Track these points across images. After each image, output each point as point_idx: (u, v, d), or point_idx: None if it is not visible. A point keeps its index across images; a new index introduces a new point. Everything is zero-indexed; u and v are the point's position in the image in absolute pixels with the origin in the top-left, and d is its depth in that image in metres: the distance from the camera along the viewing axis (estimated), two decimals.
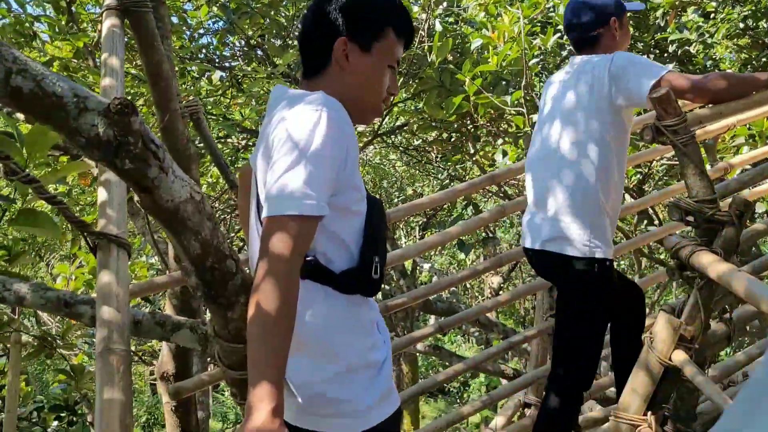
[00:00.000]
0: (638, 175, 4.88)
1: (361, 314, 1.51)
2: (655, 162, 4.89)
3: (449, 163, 5.84)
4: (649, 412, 2.13)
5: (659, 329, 2.14)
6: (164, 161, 1.28)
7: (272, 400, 1.19)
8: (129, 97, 4.13)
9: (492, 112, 5.19)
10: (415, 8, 5.40)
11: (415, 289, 3.17)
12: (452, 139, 5.45)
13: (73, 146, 1.22)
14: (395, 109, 5.87)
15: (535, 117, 4.66)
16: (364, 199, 1.49)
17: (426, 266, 8.99)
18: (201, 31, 5.98)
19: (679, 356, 2.09)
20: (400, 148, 8.51)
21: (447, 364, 6.71)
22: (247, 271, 1.66)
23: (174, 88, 2.41)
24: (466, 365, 3.22)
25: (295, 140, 1.31)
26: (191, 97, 3.84)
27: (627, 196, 5.45)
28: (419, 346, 6.12)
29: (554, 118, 2.49)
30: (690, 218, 2.20)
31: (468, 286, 14.86)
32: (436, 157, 6.40)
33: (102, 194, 1.71)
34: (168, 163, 1.29)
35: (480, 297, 15.15)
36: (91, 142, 1.16)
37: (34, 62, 1.10)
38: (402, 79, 5.80)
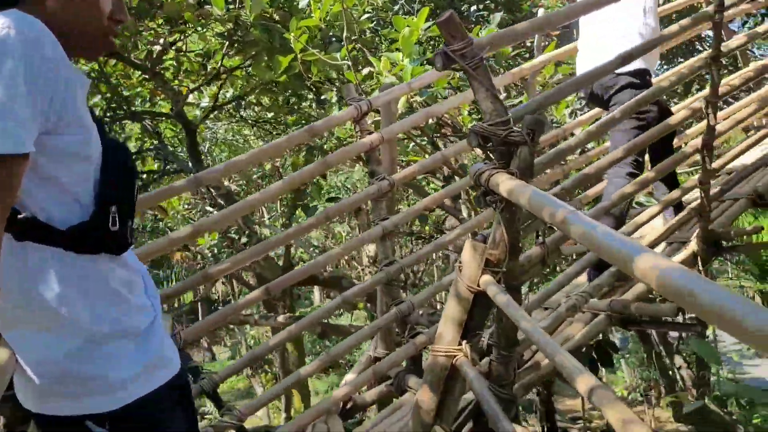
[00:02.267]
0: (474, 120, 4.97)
1: (108, 276, 1.32)
2: None
3: (291, 128, 5.67)
4: (464, 341, 2.11)
5: (466, 255, 2.12)
6: None
7: None
8: None
9: (329, 71, 5.06)
10: None
11: (294, 270, 2.99)
12: (290, 102, 5.26)
13: None
14: (223, 76, 5.59)
15: (365, 71, 4.60)
16: (95, 140, 1.30)
17: (313, 242, 8.82)
18: None
19: (487, 279, 2.08)
20: (250, 122, 8.23)
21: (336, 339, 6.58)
22: None
23: None
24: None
25: None
26: None
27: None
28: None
29: None
30: (488, 143, 2.18)
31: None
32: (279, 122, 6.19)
33: None
34: None
35: (359, 267, 15.17)
36: None
37: None
38: (228, 43, 5.53)
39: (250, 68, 5.11)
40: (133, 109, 6.67)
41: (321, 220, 2.97)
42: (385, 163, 3.41)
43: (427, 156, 4.81)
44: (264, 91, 5.09)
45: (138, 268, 1.45)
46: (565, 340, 2.85)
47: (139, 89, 7.51)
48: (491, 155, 2.21)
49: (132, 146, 8.63)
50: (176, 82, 7.13)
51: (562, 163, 3.37)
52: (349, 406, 3.23)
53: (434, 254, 10.14)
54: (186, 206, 10.22)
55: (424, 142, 4.78)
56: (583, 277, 3.34)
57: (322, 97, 5.66)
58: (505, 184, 1.99)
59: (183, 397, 1.51)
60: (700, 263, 3.39)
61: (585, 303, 2.85)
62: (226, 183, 8.18)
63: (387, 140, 3.28)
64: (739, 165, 4.09)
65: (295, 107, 5.31)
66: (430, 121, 4.79)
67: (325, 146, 5.58)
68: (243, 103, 7.71)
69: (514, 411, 2.53)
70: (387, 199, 3.27)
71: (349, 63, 4.13)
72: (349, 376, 3.45)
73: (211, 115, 8.36)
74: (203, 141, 9.57)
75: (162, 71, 6.93)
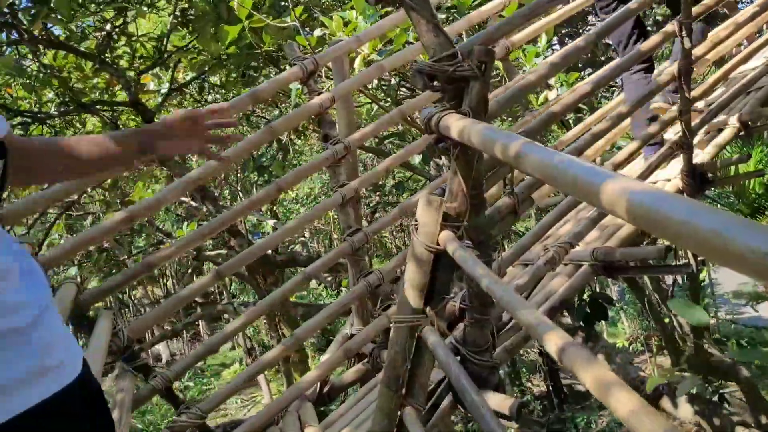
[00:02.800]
0: None
1: None
2: None
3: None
4: (428, 308, 1.88)
5: (420, 212, 1.88)
6: None
7: None
8: None
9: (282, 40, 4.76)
10: None
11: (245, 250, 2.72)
12: (245, 77, 4.97)
13: None
14: (175, 57, 5.27)
15: (317, 33, 4.30)
16: None
17: (270, 222, 8.54)
18: None
19: (446, 236, 1.84)
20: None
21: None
22: None
23: None
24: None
25: None
26: None
27: None
28: None
29: None
30: (435, 83, 1.93)
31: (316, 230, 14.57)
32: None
33: None
34: None
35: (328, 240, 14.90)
36: None
37: None
38: (176, 20, 5.22)
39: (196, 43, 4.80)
40: (83, 100, 6.32)
41: (272, 193, 2.72)
42: (342, 126, 3.15)
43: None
44: (216, 67, 4.79)
45: (14, 255, 1.20)
46: (546, 298, 2.63)
47: (95, 80, 7.19)
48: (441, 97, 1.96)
49: None
50: (132, 69, 6.80)
51: (530, 108, 3.11)
52: (326, 389, 3.01)
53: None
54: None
55: (387, 104, 4.51)
56: (565, 227, 3.12)
57: (282, 69, 5.36)
58: (455, 125, 1.75)
59: (89, 406, 1.27)
60: None
61: (565, 254, 2.62)
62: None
63: (340, 100, 3.02)
64: (717, 95, 3.85)
65: (251, 82, 5.01)
66: (393, 81, 4.51)
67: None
68: (206, 85, 7.40)
69: (495, 378, 2.32)
70: (345, 163, 3.02)
71: (298, 25, 3.83)
72: (324, 357, 3.23)
73: (174, 101, 8.04)
74: None
75: (116, 60, 6.61)
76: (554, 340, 1.18)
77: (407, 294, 1.88)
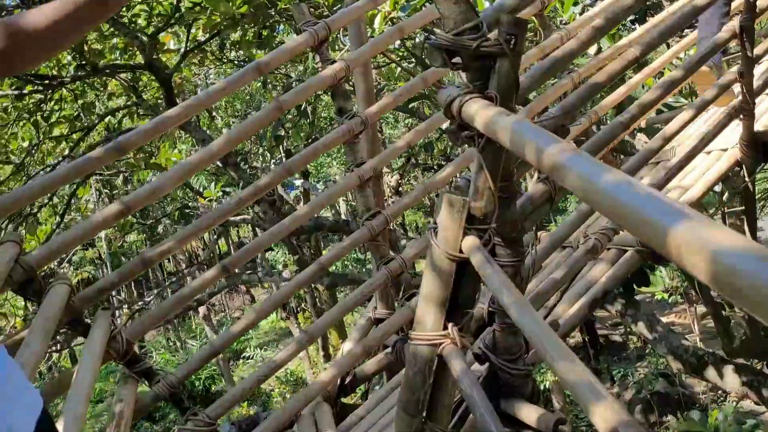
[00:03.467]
0: None
1: None
2: None
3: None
4: (450, 324, 1.64)
5: (442, 215, 1.61)
6: None
7: None
8: None
9: None
10: None
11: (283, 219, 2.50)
12: (262, 37, 4.67)
13: None
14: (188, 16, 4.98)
15: None
16: None
17: (298, 182, 8.33)
18: None
19: (470, 243, 1.58)
20: (237, 63, 7.62)
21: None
22: None
23: None
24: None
25: None
26: None
27: None
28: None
29: None
30: (456, 59, 1.64)
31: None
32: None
33: None
34: None
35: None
36: None
37: None
38: None
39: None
40: (101, 63, 6.10)
41: (283, 174, 2.47)
42: (359, 97, 2.87)
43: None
44: (230, 26, 4.50)
45: None
46: (587, 287, 2.36)
47: (114, 40, 6.95)
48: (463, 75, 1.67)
49: (116, 104, 8.15)
50: (149, 28, 6.54)
51: (569, 72, 2.77)
52: (347, 380, 2.82)
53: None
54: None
55: (412, 66, 4.17)
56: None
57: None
58: (481, 114, 1.47)
59: None
60: (745, 172, 2.83)
61: (608, 241, 2.33)
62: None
63: (357, 68, 2.73)
64: None
65: (267, 42, 4.71)
66: (418, 39, 4.17)
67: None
68: (227, 44, 7.11)
69: (529, 386, 2.09)
70: (364, 137, 2.75)
71: None
72: (347, 345, 3.04)
73: (195, 60, 7.78)
74: (193, 88, 9.01)
75: (134, 18, 6.35)
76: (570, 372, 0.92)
77: (425, 309, 1.63)
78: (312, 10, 3.40)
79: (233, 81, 2.52)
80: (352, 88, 3.43)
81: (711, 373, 5.15)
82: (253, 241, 2.38)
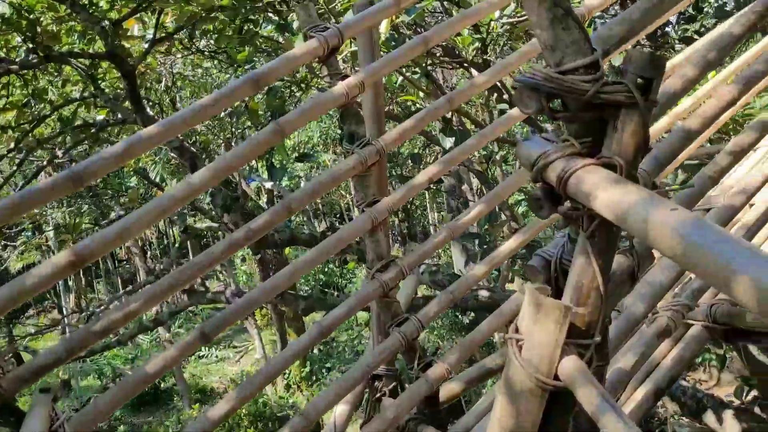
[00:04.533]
0: (476, 43, 3.85)
1: None
2: (493, 23, 3.87)
3: (238, 69, 4.55)
4: None
5: (526, 322, 1.16)
6: None
7: None
8: None
9: None
10: None
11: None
12: (243, 31, 4.13)
13: None
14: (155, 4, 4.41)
15: None
16: None
17: (267, 185, 7.78)
18: None
19: (571, 366, 1.13)
20: (207, 53, 7.02)
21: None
22: None
23: None
24: None
25: None
26: None
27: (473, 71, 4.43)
28: None
29: None
30: (558, 107, 1.18)
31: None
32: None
33: None
34: None
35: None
36: None
37: None
38: None
39: None
40: (57, 48, 5.46)
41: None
42: (370, 120, 2.39)
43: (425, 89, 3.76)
44: (205, 20, 3.96)
45: None
46: (647, 373, 1.94)
47: (72, 23, 6.29)
48: (564, 129, 1.22)
49: (70, 90, 7.43)
50: (113, 13, 5.92)
51: None
52: None
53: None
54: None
55: (415, 76, 3.70)
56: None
57: (290, 20, 4.51)
58: (602, 194, 1.02)
59: None
60: None
61: (682, 319, 1.91)
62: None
63: (370, 86, 2.25)
64: None
65: (250, 37, 4.18)
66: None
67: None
68: (197, 32, 6.51)
69: None
70: (375, 172, 2.27)
71: None
72: (341, 408, 2.56)
73: (161, 49, 7.15)
74: (158, 79, 8.36)
75: (96, 1, 5.71)
76: None
77: None
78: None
79: (225, 94, 2.01)
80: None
81: (710, 418, 4.85)
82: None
